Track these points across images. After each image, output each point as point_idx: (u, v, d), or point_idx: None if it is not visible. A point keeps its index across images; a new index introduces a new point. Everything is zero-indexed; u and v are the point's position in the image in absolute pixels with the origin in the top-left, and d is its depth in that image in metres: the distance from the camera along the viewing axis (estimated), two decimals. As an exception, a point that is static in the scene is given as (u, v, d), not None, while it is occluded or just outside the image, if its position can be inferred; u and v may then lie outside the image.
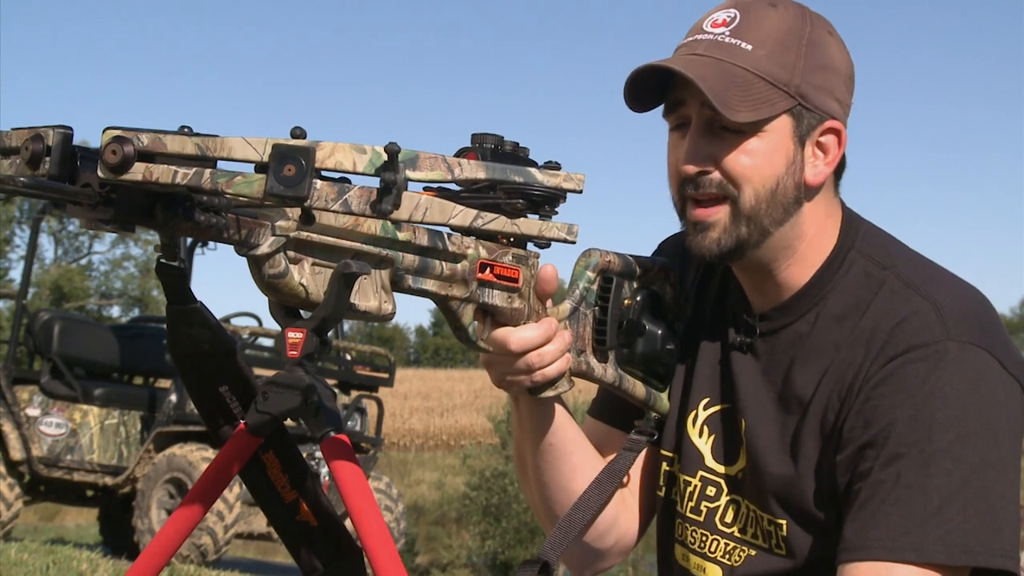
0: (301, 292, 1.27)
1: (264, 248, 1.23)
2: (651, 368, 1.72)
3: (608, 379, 1.68)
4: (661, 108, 1.61)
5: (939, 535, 1.44)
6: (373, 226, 1.32)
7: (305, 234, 1.26)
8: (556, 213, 1.46)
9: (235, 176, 1.11)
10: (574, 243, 1.47)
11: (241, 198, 1.12)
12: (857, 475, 1.51)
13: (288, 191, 1.08)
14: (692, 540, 1.70)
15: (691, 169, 1.56)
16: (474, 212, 1.29)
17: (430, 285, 1.40)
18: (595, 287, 1.67)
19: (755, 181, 1.55)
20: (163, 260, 1.29)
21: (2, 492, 10.17)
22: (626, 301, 1.68)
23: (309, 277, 1.27)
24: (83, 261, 44.57)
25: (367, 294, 1.32)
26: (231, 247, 1.25)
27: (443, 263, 1.41)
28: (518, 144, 1.47)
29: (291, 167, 1.09)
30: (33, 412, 10.32)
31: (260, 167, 1.12)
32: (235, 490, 9.56)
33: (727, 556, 1.66)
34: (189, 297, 1.35)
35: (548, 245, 1.49)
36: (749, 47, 1.54)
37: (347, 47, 76.64)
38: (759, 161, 1.55)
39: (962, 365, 1.49)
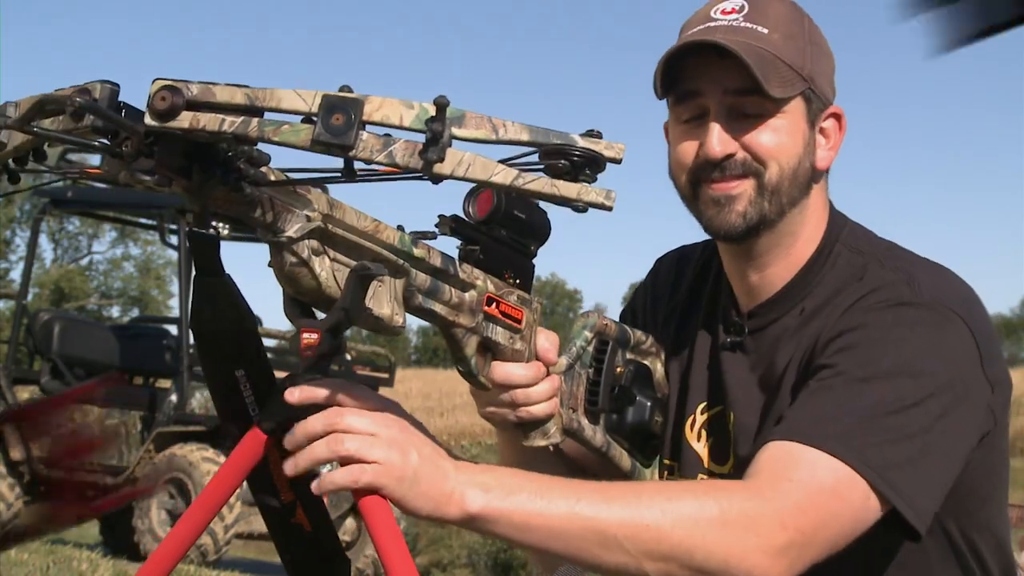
0: (317, 286, 1.25)
1: (290, 233, 1.22)
2: (638, 441, 1.72)
3: (597, 443, 1.68)
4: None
5: (863, 444, 1.40)
6: (392, 236, 1.31)
7: (330, 227, 1.25)
8: (595, 180, 1.45)
9: (282, 125, 1.10)
10: (611, 209, 1.44)
11: (286, 147, 1.10)
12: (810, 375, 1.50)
13: (335, 139, 1.07)
14: None
15: (719, 152, 1.56)
16: (515, 172, 1.27)
17: (439, 308, 1.39)
18: (591, 348, 1.69)
19: (780, 158, 1.57)
20: (195, 229, 1.26)
21: (2, 492, 10.15)
22: (619, 368, 1.70)
23: (328, 272, 1.26)
24: (83, 261, 44.58)
25: (381, 301, 1.31)
26: (254, 233, 1.23)
27: (452, 289, 1.41)
28: None
29: (339, 116, 1.08)
30: (33, 412, 10.31)
31: (307, 119, 1.10)
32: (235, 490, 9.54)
33: None
34: (218, 269, 1.31)
35: (585, 209, 1.47)
36: (765, 31, 1.56)
37: (347, 47, 76.84)
38: (783, 139, 1.57)
39: (933, 322, 1.48)
